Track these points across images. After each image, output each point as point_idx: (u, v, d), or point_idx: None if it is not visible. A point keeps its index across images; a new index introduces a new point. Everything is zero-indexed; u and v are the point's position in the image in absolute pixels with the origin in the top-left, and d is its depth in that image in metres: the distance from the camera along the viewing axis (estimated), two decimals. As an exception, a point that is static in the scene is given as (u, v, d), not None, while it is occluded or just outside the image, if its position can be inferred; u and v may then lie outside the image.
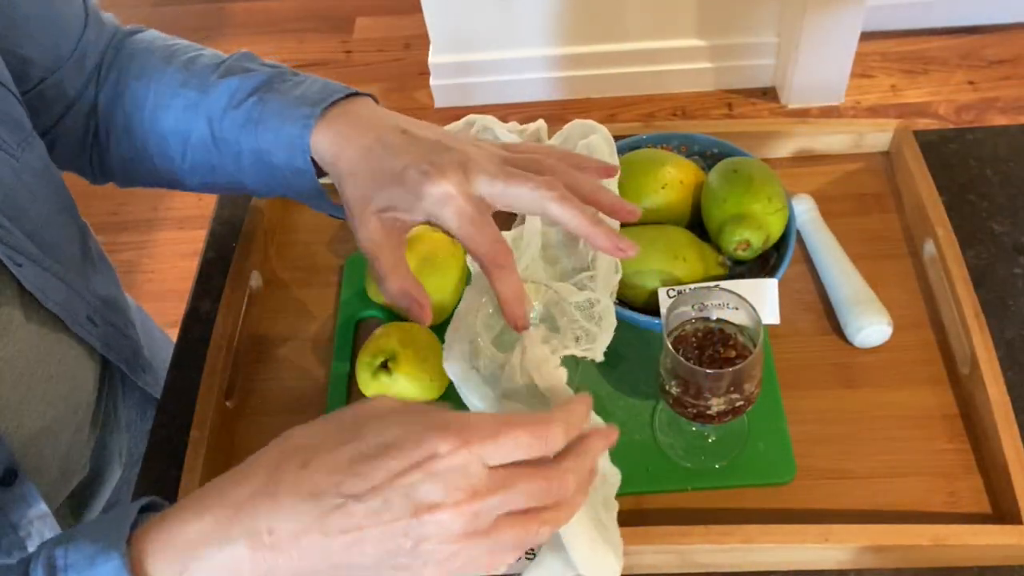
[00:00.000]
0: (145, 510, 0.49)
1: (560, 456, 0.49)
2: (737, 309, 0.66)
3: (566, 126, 0.83)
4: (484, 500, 0.45)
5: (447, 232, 0.60)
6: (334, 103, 0.65)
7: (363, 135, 0.62)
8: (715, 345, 0.66)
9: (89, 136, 0.75)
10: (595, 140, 0.79)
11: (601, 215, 0.62)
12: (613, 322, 0.67)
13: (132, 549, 0.46)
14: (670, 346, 0.64)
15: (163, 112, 0.72)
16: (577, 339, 0.65)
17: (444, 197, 0.58)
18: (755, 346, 0.64)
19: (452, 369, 0.64)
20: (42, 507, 0.67)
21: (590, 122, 0.81)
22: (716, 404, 0.64)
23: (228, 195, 0.94)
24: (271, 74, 0.69)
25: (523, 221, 0.75)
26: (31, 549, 0.67)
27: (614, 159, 0.79)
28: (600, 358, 0.64)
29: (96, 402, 0.77)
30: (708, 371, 0.63)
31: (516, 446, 0.47)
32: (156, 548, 0.46)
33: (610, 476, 0.63)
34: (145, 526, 0.47)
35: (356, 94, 0.67)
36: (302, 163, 0.65)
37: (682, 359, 0.63)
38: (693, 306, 0.67)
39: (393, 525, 0.44)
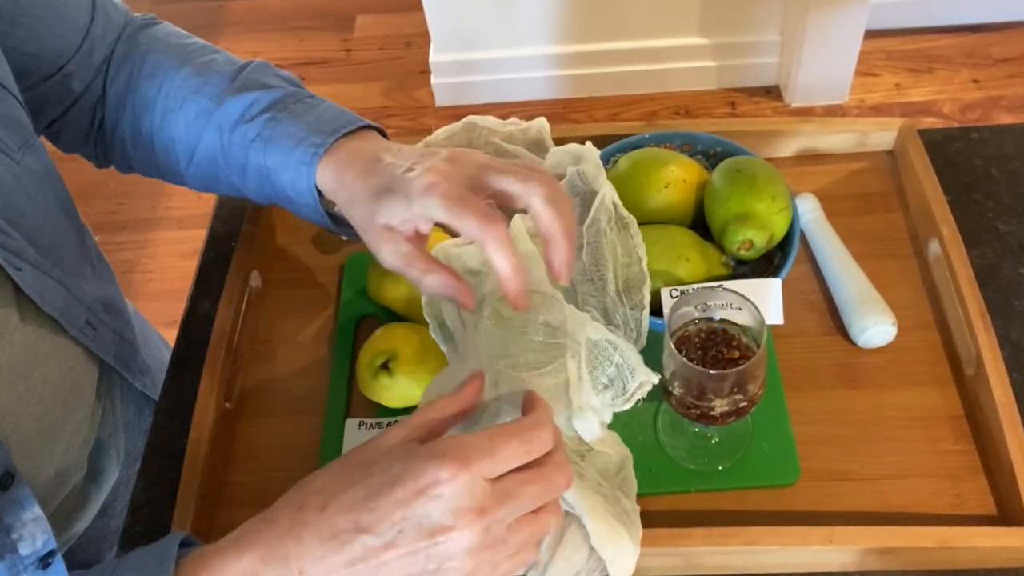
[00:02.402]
0: (182, 544, 0.51)
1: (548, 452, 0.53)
2: (740, 309, 0.65)
3: (552, 151, 0.81)
4: (492, 514, 0.49)
5: (441, 224, 0.60)
6: (345, 134, 0.66)
7: (360, 159, 0.64)
8: (718, 346, 0.66)
9: (94, 126, 0.76)
10: (584, 167, 0.77)
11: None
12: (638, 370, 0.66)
13: None
14: (673, 347, 0.64)
15: (173, 116, 0.72)
16: (606, 386, 0.65)
17: (427, 187, 0.58)
18: (758, 347, 0.63)
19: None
20: (36, 510, 0.66)
21: (576, 149, 0.79)
22: (719, 405, 0.64)
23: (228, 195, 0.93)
24: (286, 93, 0.69)
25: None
26: (23, 552, 0.66)
27: (603, 177, 0.77)
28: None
29: (94, 402, 0.76)
30: (711, 372, 0.63)
31: (513, 456, 0.50)
32: None
33: (626, 460, 0.66)
34: (185, 562, 0.50)
35: (367, 127, 0.68)
36: (306, 189, 0.66)
37: (685, 360, 0.63)
38: (696, 306, 0.66)
39: (411, 551, 0.48)
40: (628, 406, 0.68)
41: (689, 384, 0.64)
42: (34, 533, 0.67)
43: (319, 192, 0.67)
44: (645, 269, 0.72)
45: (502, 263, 0.57)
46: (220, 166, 0.72)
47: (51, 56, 0.70)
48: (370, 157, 0.64)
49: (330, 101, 0.71)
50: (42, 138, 0.76)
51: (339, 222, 0.70)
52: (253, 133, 0.68)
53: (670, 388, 0.66)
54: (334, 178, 0.65)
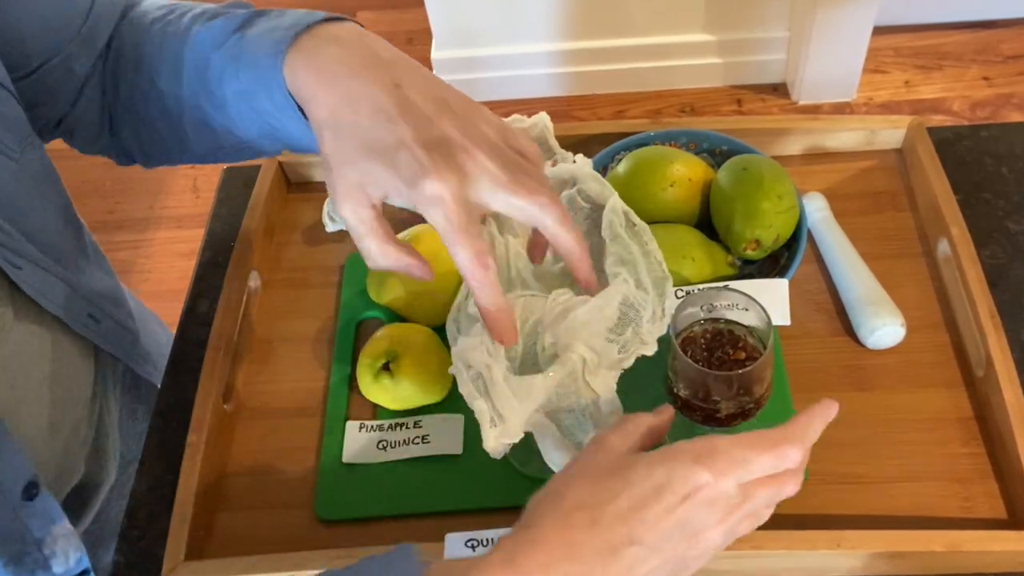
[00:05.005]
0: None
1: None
2: (747, 310, 0.65)
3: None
4: (737, 513, 0.53)
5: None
6: (312, 27, 0.58)
7: (346, 77, 0.56)
8: (724, 347, 0.65)
9: (105, 116, 0.73)
10: (584, 186, 0.76)
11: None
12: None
13: None
14: (678, 348, 0.63)
15: (156, 68, 0.67)
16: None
17: (436, 199, 0.54)
18: (765, 348, 0.63)
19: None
20: (66, 524, 0.65)
21: (569, 169, 0.77)
22: (725, 407, 0.64)
23: (226, 192, 0.93)
24: (254, 12, 0.63)
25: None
26: (56, 569, 0.65)
27: (606, 187, 0.76)
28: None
29: (91, 403, 0.76)
30: (717, 373, 0.62)
31: (763, 470, 0.53)
32: None
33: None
34: None
35: (340, 19, 0.60)
36: (280, 98, 0.59)
37: (690, 361, 0.62)
38: (702, 307, 0.66)
39: (675, 553, 0.51)
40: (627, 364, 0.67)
41: (695, 386, 0.63)
42: (66, 550, 0.65)
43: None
44: (666, 270, 0.71)
45: (487, 304, 0.56)
46: (207, 108, 0.65)
47: (53, 37, 0.67)
48: (359, 83, 0.56)
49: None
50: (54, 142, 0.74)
51: None
52: (225, 58, 0.62)
53: (675, 390, 0.65)
54: (307, 87, 0.57)
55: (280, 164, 0.91)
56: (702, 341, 0.66)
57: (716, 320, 0.66)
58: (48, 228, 0.68)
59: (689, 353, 0.64)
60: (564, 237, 0.57)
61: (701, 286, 0.73)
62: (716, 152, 0.84)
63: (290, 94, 0.59)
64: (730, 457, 0.52)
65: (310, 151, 0.63)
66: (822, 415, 0.57)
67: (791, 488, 0.55)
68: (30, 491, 0.63)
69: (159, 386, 0.85)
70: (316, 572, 0.53)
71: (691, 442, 0.53)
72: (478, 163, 0.55)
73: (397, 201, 0.56)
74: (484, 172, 0.55)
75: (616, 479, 0.52)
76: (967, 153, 0.89)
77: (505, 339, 0.58)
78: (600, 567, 0.50)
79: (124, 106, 0.71)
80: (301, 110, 0.60)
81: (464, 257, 0.55)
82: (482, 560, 0.50)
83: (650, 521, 0.50)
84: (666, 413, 0.59)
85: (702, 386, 0.63)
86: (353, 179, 0.55)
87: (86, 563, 0.67)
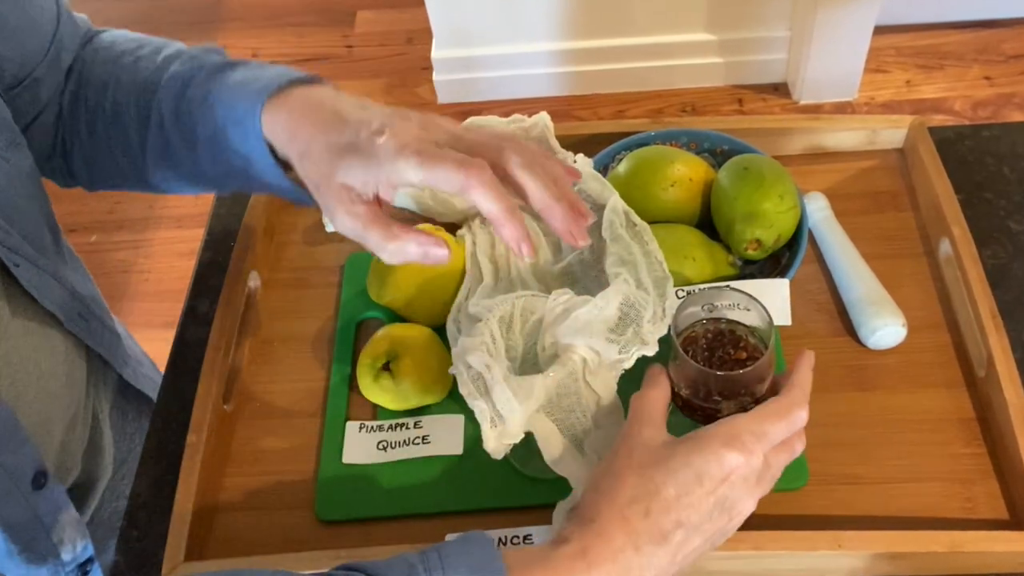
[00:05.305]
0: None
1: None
2: (748, 310, 0.64)
3: None
4: (764, 481, 0.59)
5: (413, 184, 0.56)
6: (292, 84, 0.62)
7: (318, 112, 0.60)
8: (725, 347, 0.65)
9: (58, 139, 0.74)
10: (585, 186, 0.76)
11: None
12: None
13: None
14: (679, 347, 0.63)
15: (123, 98, 0.69)
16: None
17: (399, 147, 0.55)
18: (766, 348, 0.63)
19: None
20: (73, 512, 0.66)
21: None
22: (726, 407, 0.63)
23: (225, 194, 0.92)
24: (234, 60, 0.66)
25: None
26: (64, 557, 0.67)
27: (606, 187, 0.76)
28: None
29: (85, 400, 0.76)
30: (718, 373, 0.62)
31: (780, 435, 0.59)
32: None
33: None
34: (519, 567, 0.53)
35: (319, 81, 0.64)
36: (256, 144, 0.62)
37: (691, 361, 0.62)
38: (703, 307, 0.66)
39: (715, 528, 0.57)
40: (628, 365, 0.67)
41: (696, 385, 0.63)
42: (74, 538, 0.67)
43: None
44: (667, 270, 0.71)
45: (492, 207, 0.55)
46: (173, 142, 0.67)
47: (18, 60, 0.68)
48: (329, 111, 0.59)
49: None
50: None
51: (303, 185, 0.64)
52: (200, 96, 0.64)
53: (676, 389, 0.65)
54: (285, 129, 0.60)
55: (280, 164, 0.91)
56: (703, 341, 0.65)
57: (717, 320, 0.66)
58: (38, 228, 0.68)
59: (690, 353, 0.63)
60: (531, 183, 0.58)
61: (702, 286, 0.73)
62: (717, 152, 0.84)
63: (265, 139, 0.61)
64: (753, 434, 0.57)
65: (271, 191, 0.66)
66: (808, 367, 0.62)
67: (800, 447, 0.60)
68: (39, 480, 0.64)
69: (142, 389, 0.85)
70: (391, 558, 0.54)
71: (715, 427, 0.58)
72: (435, 123, 0.58)
73: (384, 190, 0.57)
74: (441, 128, 0.58)
75: (659, 470, 0.56)
76: (968, 153, 0.89)
77: (524, 247, 0.57)
78: (656, 553, 0.54)
79: (82, 131, 0.72)
80: (275, 155, 0.62)
81: (451, 169, 0.54)
82: (553, 552, 0.54)
83: (694, 505, 0.55)
84: (662, 377, 0.63)
85: (703, 386, 0.63)
86: (336, 184, 0.57)
87: (91, 551, 0.68)
